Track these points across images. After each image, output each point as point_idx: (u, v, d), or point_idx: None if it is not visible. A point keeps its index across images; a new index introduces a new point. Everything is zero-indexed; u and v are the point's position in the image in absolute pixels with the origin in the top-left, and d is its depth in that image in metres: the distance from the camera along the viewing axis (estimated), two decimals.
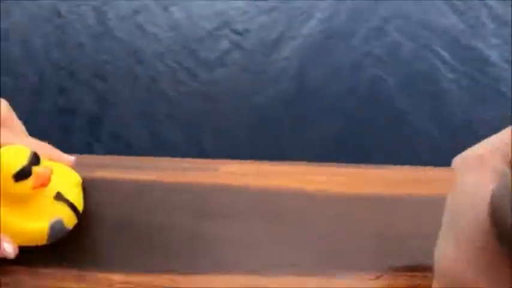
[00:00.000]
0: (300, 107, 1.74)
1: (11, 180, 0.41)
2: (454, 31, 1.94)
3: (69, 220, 0.45)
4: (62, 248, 0.45)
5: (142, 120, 1.69)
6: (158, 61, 1.82)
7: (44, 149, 0.46)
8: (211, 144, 1.63)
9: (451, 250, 0.32)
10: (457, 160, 0.35)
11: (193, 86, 1.77)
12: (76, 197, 0.46)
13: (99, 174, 0.50)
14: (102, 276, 0.44)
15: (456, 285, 0.31)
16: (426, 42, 1.90)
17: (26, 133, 0.49)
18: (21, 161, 0.41)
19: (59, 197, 0.44)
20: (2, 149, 0.42)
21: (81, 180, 0.47)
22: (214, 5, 2.00)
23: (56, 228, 0.44)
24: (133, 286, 0.44)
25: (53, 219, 0.44)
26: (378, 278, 0.44)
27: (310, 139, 1.66)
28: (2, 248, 0.43)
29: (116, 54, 1.83)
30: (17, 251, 0.43)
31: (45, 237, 0.44)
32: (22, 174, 0.41)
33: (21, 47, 1.81)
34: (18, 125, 0.48)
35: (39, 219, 0.43)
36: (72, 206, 0.45)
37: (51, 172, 0.43)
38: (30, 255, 0.44)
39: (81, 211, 0.46)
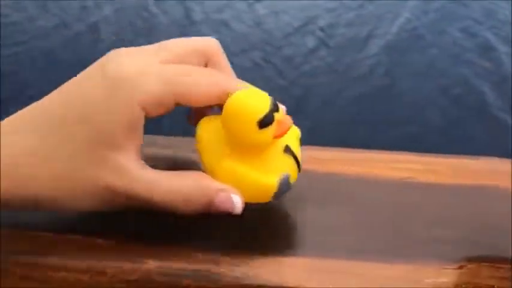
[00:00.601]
0: (387, 105, 1.69)
1: (256, 128, 0.38)
2: None
3: (294, 176, 0.42)
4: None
5: None
6: (243, 58, 1.82)
7: None
8: None
9: None
10: None
11: (278, 83, 1.75)
12: (298, 151, 0.42)
13: None
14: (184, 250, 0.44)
15: None
16: None
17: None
18: (264, 106, 0.38)
19: (287, 150, 0.41)
20: (242, 93, 0.39)
21: (300, 134, 0.44)
22: (300, 1, 1.99)
23: (284, 185, 0.40)
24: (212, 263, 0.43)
25: (281, 175, 0.40)
26: (460, 268, 0.43)
27: (397, 138, 1.61)
28: (230, 201, 0.38)
29: None
30: (244, 205, 0.39)
31: (272, 194, 0.40)
32: (267, 121, 0.38)
33: (111, 40, 1.84)
34: (229, 67, 0.43)
35: (269, 173, 0.40)
36: (297, 161, 0.41)
37: (291, 121, 0.39)
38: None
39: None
